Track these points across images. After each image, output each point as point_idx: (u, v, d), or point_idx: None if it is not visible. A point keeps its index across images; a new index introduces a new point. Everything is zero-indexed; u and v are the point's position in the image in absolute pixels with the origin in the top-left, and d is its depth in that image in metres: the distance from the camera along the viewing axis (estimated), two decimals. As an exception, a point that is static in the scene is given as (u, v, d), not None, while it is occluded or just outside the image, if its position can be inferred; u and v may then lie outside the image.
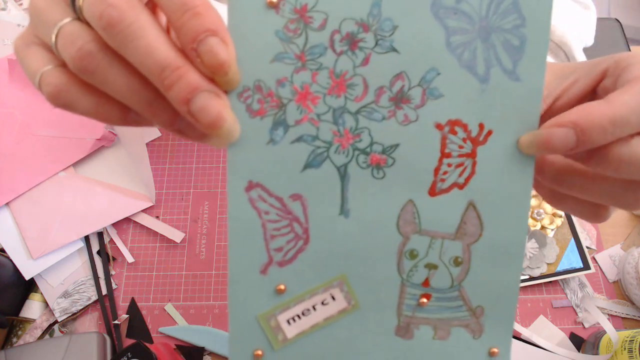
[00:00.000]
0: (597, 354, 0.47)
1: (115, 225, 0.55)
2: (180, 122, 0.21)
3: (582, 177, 0.23)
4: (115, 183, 0.55)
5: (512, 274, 0.23)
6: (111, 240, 0.54)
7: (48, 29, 0.20)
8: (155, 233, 0.54)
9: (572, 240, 0.53)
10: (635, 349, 0.43)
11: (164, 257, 0.54)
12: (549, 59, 0.39)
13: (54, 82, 0.21)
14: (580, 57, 0.45)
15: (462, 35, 0.21)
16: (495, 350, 0.24)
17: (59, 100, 0.21)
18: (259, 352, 0.23)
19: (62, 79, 0.21)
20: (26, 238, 0.52)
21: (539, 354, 0.48)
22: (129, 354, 0.42)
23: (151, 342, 0.50)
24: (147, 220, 0.55)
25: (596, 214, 0.24)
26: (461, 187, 0.22)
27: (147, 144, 0.58)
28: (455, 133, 0.21)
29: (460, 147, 0.22)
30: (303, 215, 0.22)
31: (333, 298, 0.23)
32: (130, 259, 0.53)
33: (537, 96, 0.21)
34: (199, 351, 0.49)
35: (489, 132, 0.21)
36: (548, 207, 0.54)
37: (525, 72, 0.21)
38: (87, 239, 0.54)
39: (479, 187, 0.22)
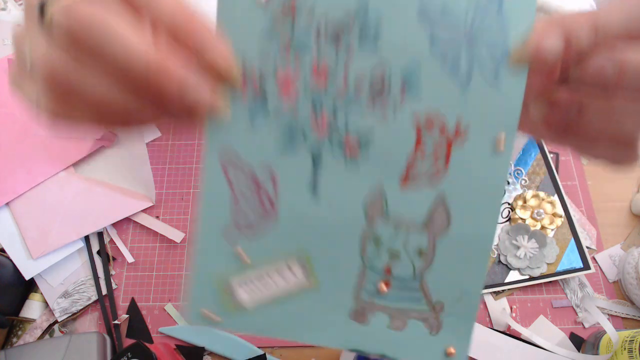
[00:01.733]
0: (597, 354, 0.47)
1: (115, 225, 0.55)
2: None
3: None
4: (115, 183, 0.55)
5: (477, 272, 0.23)
6: (111, 240, 0.54)
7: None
8: (155, 233, 0.54)
9: (572, 240, 0.53)
10: (635, 349, 0.43)
11: (163, 257, 0.54)
12: None
13: (48, 61, 0.20)
14: None
15: (447, 40, 0.21)
16: (452, 350, 0.24)
17: (59, 81, 0.20)
18: (209, 313, 0.24)
19: (59, 60, 0.20)
20: (26, 238, 0.52)
21: (539, 354, 0.48)
22: (129, 354, 0.42)
23: (151, 342, 0.50)
24: (147, 220, 0.55)
25: (628, 154, 0.24)
26: (433, 179, 0.22)
27: (147, 144, 0.58)
28: (431, 127, 0.22)
29: (435, 141, 0.22)
30: (274, 192, 0.23)
31: (293, 274, 0.23)
32: (130, 259, 0.53)
33: (516, 106, 0.21)
34: (199, 351, 0.49)
35: (465, 131, 0.22)
36: (548, 207, 0.54)
37: (506, 83, 0.21)
38: (87, 239, 0.54)
39: (450, 181, 0.22)
